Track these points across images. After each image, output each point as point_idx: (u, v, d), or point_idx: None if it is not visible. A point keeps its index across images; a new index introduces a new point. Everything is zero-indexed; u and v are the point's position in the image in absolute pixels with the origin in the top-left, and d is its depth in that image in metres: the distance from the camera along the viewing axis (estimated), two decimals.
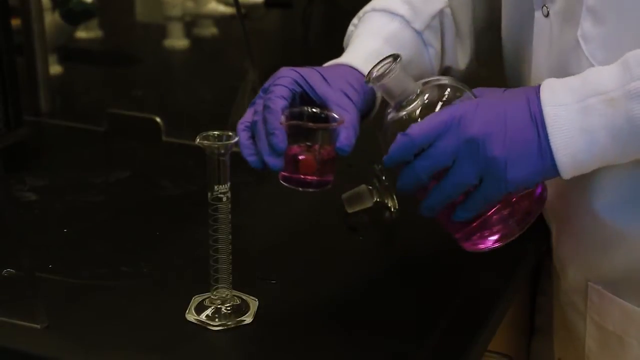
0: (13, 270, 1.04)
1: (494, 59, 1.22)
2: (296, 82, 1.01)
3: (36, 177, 1.28)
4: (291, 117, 0.98)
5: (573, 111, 0.92)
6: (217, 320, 0.95)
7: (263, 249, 1.10)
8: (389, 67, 0.96)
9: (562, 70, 1.00)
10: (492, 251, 1.02)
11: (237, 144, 0.94)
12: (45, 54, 1.52)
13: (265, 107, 0.98)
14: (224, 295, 0.96)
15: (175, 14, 1.88)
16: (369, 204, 1.17)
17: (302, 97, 1.01)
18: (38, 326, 0.95)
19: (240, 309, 0.97)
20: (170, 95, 1.67)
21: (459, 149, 0.93)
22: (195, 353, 0.92)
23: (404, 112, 0.97)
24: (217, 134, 0.92)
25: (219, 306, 0.96)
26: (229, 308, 0.96)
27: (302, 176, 0.98)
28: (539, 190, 0.99)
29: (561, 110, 0.92)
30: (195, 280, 0.99)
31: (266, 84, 1.01)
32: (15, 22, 1.43)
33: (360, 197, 1.17)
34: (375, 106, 1.08)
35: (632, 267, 1.03)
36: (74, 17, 1.66)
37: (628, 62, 0.92)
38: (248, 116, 1.00)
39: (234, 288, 0.97)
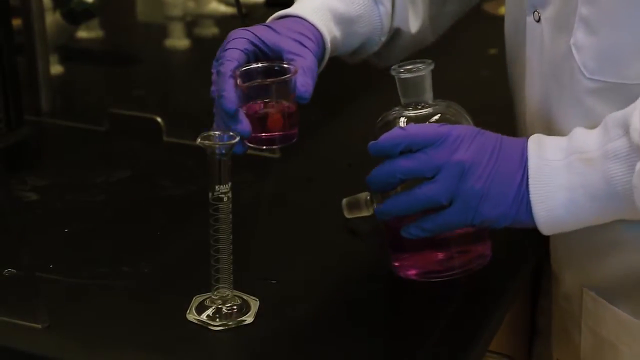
0: (14, 270, 1.04)
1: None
2: (249, 41, 1.01)
3: (37, 177, 1.28)
4: (245, 75, 0.98)
5: (555, 167, 0.93)
6: (217, 320, 0.95)
7: (263, 249, 1.10)
8: (419, 66, 0.99)
9: (554, 78, 1.01)
10: (494, 252, 1.02)
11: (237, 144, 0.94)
12: (46, 54, 1.52)
13: (217, 72, 0.98)
14: (224, 295, 0.96)
15: (176, 14, 1.87)
16: (367, 212, 1.16)
17: (257, 55, 1.01)
18: (39, 326, 0.95)
19: (241, 309, 0.97)
20: (171, 95, 1.67)
21: (445, 165, 0.93)
22: (195, 353, 0.92)
23: (410, 113, 0.98)
24: (218, 134, 0.92)
25: (219, 306, 0.96)
26: (229, 308, 0.97)
27: (268, 134, 0.98)
28: (488, 251, 1.01)
29: (544, 165, 0.93)
30: (195, 280, 0.99)
31: (218, 51, 1.01)
32: (16, 22, 1.43)
33: (359, 205, 1.16)
34: (324, 60, 1.07)
35: (627, 274, 1.03)
36: (75, 16, 1.65)
37: (607, 124, 0.92)
38: None
39: (235, 288, 0.97)
